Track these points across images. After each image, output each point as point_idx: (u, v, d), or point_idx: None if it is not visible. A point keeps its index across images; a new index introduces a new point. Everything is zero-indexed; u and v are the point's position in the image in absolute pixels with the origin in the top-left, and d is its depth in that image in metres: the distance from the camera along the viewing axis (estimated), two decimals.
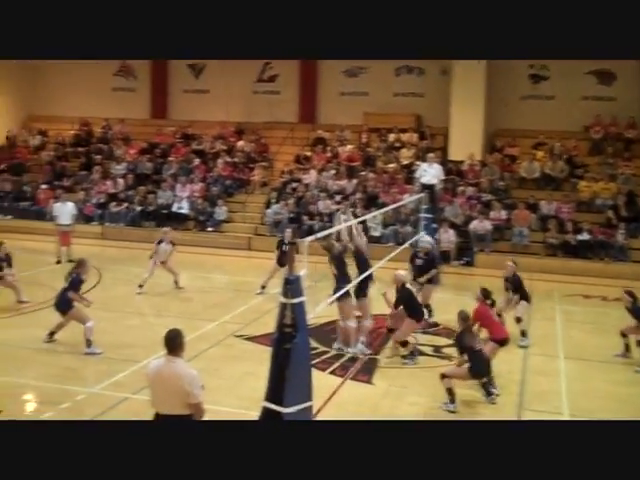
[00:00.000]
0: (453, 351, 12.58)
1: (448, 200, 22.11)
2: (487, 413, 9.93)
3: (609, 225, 21.17)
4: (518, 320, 13.33)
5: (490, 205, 22.31)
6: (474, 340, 10.28)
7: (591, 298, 17.65)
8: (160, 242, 16.56)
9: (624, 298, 12.60)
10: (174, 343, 6.43)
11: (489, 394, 10.26)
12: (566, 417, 9.87)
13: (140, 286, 16.00)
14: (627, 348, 12.49)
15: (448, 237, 20.56)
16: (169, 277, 16.57)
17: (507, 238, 21.69)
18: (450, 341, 13.19)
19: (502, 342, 11.13)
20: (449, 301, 15.48)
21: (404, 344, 12.06)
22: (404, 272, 12.77)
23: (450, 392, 9.95)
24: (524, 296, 13.53)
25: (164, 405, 6.36)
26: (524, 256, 20.09)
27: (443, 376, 10.07)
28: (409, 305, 12.02)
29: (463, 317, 10.30)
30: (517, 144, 24.99)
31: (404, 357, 12.01)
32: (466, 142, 24.18)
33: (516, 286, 13.52)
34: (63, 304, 11.99)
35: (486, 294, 11.46)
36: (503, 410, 10.06)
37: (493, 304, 11.85)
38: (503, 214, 21.98)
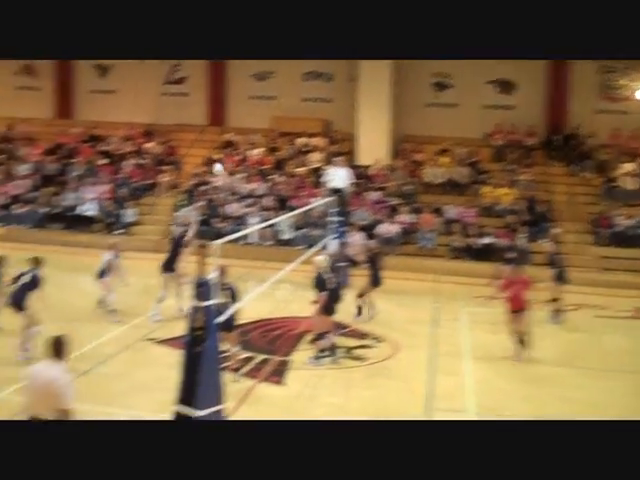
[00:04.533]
0: (364, 352, 12.89)
1: (356, 204, 22.44)
2: (393, 414, 10.12)
3: (511, 229, 21.91)
4: None
5: (397, 209, 22.77)
6: None
7: (495, 299, 18.22)
8: (109, 256, 14.40)
9: None
10: (55, 348, 6.55)
11: None
12: (472, 416, 10.19)
13: (113, 311, 14.19)
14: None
15: (358, 240, 20.83)
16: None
17: (414, 242, 22.16)
18: (360, 342, 13.47)
19: None
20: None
21: (318, 337, 12.11)
22: (322, 257, 12.89)
23: None
24: None
25: (36, 407, 6.45)
26: (431, 259, 20.61)
27: None
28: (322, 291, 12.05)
29: None
30: (422, 150, 25.58)
31: (319, 355, 12.03)
32: (373, 147, 24.62)
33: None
34: (20, 301, 11.58)
35: None
36: (410, 410, 10.24)
37: None
38: (410, 218, 22.45)
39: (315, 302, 12.16)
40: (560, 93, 26.04)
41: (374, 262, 15.47)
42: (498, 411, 10.28)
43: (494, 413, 10.16)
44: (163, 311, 14.29)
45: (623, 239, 21.72)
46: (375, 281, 15.24)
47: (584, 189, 24.10)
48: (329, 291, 12.08)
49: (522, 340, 12.76)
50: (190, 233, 15.02)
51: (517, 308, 12.76)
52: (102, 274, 14.12)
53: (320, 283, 12.06)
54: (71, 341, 6.71)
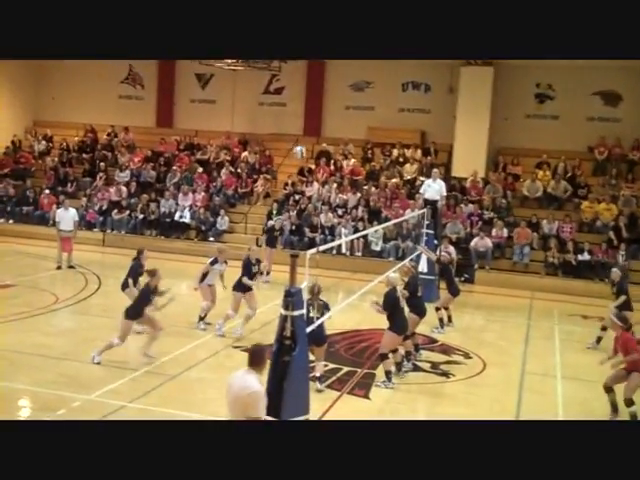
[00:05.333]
0: (450, 368, 12.67)
1: (450, 216, 22.15)
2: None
3: (610, 246, 21.17)
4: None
5: (492, 223, 22.35)
6: None
7: (590, 318, 17.64)
8: (214, 262, 14.24)
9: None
10: (252, 357, 6.65)
11: None
12: None
13: (201, 319, 14.16)
14: None
15: (450, 253, 20.56)
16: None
17: (508, 256, 21.70)
18: (447, 357, 13.24)
19: None
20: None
21: (383, 357, 11.52)
22: (396, 275, 12.30)
23: None
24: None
25: (231, 413, 6.55)
26: (524, 275, 20.12)
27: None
28: (392, 312, 11.47)
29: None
30: (520, 163, 25.04)
31: (385, 379, 11.44)
32: (470, 159, 24.29)
33: None
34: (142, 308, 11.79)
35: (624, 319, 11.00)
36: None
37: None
38: (504, 232, 22.00)
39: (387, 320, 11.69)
40: None
41: (447, 272, 15.28)
42: None
43: None
44: (255, 319, 14.30)
45: None
46: (453, 291, 15.05)
47: None
48: (397, 309, 11.51)
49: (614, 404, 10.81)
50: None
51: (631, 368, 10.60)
52: (202, 280, 14.18)
53: (389, 301, 11.44)
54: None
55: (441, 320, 15.07)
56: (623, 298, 14.14)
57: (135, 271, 13.33)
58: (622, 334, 10.69)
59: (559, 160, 24.50)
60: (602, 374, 12.44)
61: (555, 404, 11.27)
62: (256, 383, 6.50)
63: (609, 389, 10.70)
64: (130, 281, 13.22)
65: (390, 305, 11.42)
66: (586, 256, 20.97)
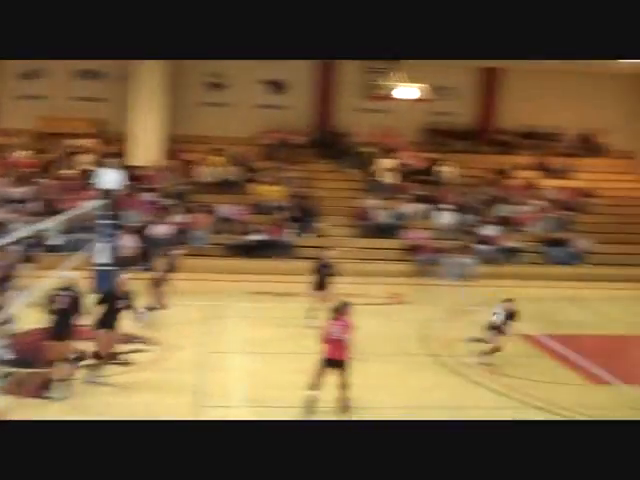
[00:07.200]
0: (132, 357, 13.00)
1: (129, 205, 22.35)
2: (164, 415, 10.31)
3: (281, 225, 22.83)
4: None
5: (171, 209, 22.97)
6: None
7: (265, 294, 18.99)
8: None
9: None
10: None
11: None
12: (246, 409, 10.65)
13: None
14: None
15: (129, 242, 20.83)
16: None
17: (187, 242, 22.43)
18: (130, 346, 13.55)
19: None
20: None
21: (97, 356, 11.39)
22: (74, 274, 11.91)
23: None
24: None
25: None
26: (204, 258, 21.04)
27: None
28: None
29: None
30: (196, 149, 25.91)
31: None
32: (146, 147, 24.63)
33: None
34: None
35: None
36: (179, 410, 10.42)
37: None
38: (183, 218, 22.73)
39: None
40: (326, 93, 27.45)
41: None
42: (269, 402, 10.84)
43: (265, 404, 10.74)
44: None
45: (382, 230, 23.38)
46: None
47: (348, 184, 25.60)
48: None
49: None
50: None
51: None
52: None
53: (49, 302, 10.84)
54: None
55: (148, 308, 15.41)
56: None
57: None
58: None
59: (232, 146, 25.77)
60: (280, 347, 13.69)
61: (239, 379, 12.02)
62: None
63: None
64: None
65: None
66: (260, 236, 22.44)
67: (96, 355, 11.51)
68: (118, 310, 11.65)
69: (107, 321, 11.47)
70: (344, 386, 10.18)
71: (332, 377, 10.14)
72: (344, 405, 10.17)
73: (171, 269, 16.21)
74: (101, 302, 11.58)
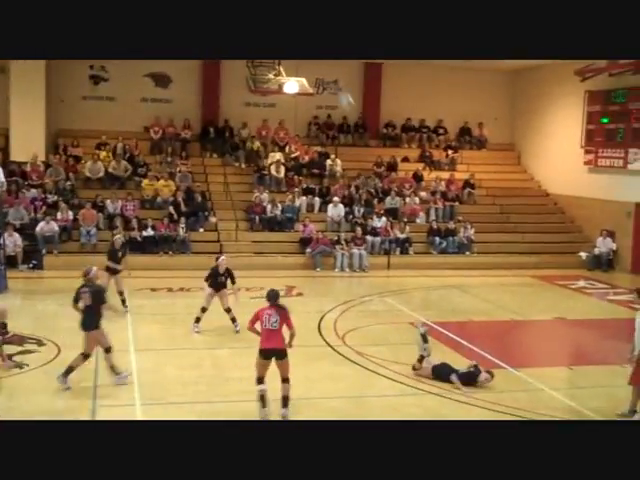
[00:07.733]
0: (24, 358, 12.68)
1: (12, 202, 21.65)
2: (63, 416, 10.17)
3: (171, 220, 22.63)
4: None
5: (56, 206, 22.36)
6: None
7: (158, 290, 18.83)
8: None
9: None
10: None
11: None
12: (138, 407, 10.60)
13: None
14: None
15: (14, 241, 20.22)
16: None
17: (75, 238, 21.96)
18: (20, 347, 13.20)
19: None
20: (19, 307, 15.44)
21: None
22: None
23: None
24: None
25: None
26: (93, 255, 20.64)
27: None
28: None
29: None
30: (80, 144, 25.32)
31: None
32: (28, 142, 23.91)
33: None
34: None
35: None
36: (77, 412, 10.31)
37: None
38: (70, 215, 22.18)
39: None
40: (213, 87, 27.34)
41: None
42: (165, 399, 10.84)
43: (162, 400, 10.74)
44: None
45: (273, 224, 23.57)
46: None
47: (238, 178, 25.65)
48: None
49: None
50: None
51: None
52: None
53: None
54: None
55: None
56: None
57: None
58: None
59: (118, 140, 25.33)
60: (173, 343, 13.67)
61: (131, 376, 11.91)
62: None
63: None
64: None
65: None
66: (150, 232, 22.17)
67: None
68: None
69: None
70: (286, 376, 10.10)
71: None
72: (285, 395, 10.10)
73: None
74: None
